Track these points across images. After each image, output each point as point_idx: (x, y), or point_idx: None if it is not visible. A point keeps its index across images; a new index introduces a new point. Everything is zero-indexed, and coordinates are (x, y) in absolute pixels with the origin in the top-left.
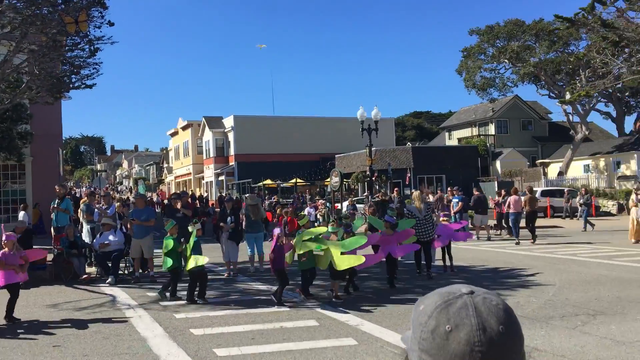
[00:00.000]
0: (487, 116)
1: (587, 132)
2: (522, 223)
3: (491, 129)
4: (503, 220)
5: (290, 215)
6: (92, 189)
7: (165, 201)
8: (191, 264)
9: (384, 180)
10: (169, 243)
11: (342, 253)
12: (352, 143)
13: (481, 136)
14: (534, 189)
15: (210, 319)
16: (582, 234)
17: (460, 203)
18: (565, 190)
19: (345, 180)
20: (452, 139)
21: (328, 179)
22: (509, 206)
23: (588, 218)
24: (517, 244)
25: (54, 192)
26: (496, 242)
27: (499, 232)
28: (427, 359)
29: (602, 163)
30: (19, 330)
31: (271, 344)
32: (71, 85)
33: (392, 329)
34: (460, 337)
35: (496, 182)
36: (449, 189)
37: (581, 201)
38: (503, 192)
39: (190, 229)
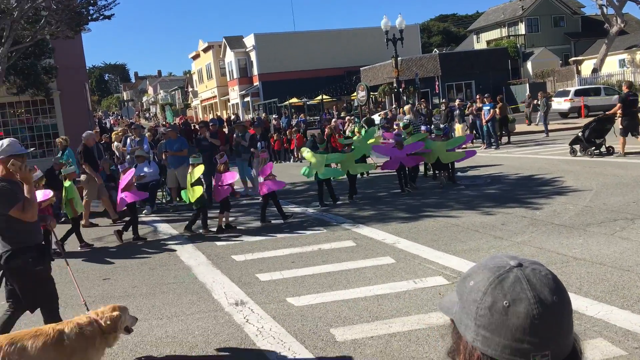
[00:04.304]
0: (517, 15)
1: (622, 25)
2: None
3: (521, 28)
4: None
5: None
6: (121, 118)
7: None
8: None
9: (412, 90)
10: None
11: (447, 150)
12: (377, 54)
13: (511, 37)
14: (567, 89)
15: (250, 244)
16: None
17: (492, 111)
18: (527, 94)
19: (372, 93)
20: (480, 42)
21: (354, 94)
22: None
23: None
24: (497, 148)
25: (83, 125)
26: (529, 148)
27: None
28: (486, 334)
29: (638, 57)
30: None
31: (311, 267)
32: (89, 18)
33: (428, 245)
34: (519, 312)
35: (527, 84)
36: (477, 96)
37: (538, 104)
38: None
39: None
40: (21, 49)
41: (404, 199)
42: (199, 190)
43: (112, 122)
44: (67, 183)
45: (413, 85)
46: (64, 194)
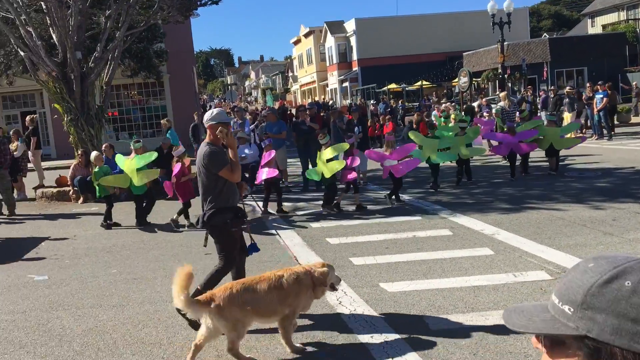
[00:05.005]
0: None
1: None
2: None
3: None
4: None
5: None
6: (224, 101)
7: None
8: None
9: (518, 77)
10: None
11: (560, 136)
12: (481, 39)
13: (630, 21)
14: None
15: (344, 228)
16: None
17: (605, 99)
18: (634, 83)
19: (474, 79)
20: (595, 27)
21: (456, 80)
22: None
23: None
24: (610, 139)
25: (190, 108)
26: None
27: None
28: None
29: None
30: (174, 240)
31: (405, 253)
32: (199, 3)
33: (530, 238)
34: None
35: None
36: (588, 83)
37: None
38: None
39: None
40: (135, 33)
41: (505, 189)
42: (340, 164)
43: (215, 105)
44: None
45: (519, 71)
46: None
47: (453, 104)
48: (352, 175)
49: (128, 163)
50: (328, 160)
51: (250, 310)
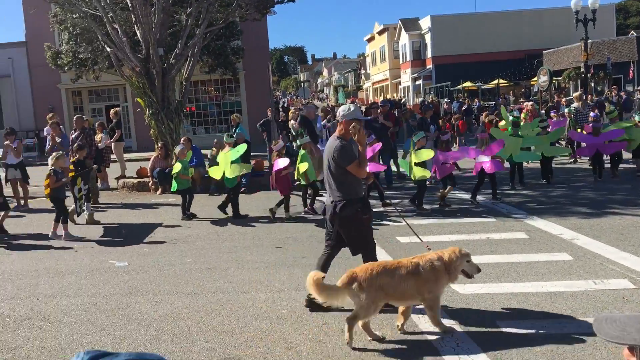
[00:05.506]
0: None
1: None
2: None
3: None
4: None
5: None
6: (296, 98)
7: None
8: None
9: (602, 76)
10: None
11: None
12: (563, 36)
13: None
14: None
15: (415, 227)
16: None
17: None
18: None
19: (555, 78)
20: None
21: (535, 78)
22: None
23: None
24: None
25: (265, 103)
26: None
27: None
28: None
29: None
30: (247, 233)
31: (478, 255)
32: (275, 1)
33: (612, 244)
34: None
35: None
36: None
37: None
38: None
39: None
40: (214, 30)
41: (586, 192)
42: (427, 173)
43: (288, 101)
44: (302, 151)
45: (604, 70)
46: (298, 162)
47: (532, 103)
48: (450, 168)
49: (223, 156)
50: (416, 164)
51: (384, 293)
